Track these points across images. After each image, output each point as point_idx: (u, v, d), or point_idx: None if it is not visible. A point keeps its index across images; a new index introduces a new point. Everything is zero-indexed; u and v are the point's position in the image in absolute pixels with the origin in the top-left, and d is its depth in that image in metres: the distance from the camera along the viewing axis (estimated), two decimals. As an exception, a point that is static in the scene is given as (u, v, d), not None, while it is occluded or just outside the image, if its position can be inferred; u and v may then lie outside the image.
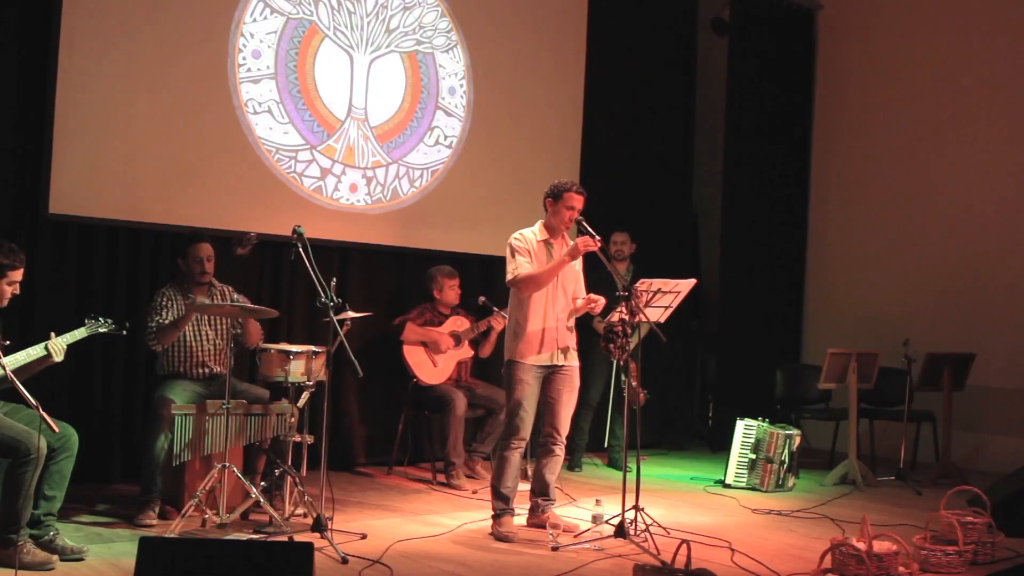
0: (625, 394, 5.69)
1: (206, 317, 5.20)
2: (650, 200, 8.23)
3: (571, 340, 5.03)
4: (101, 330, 4.47)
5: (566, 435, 5.09)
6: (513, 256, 4.91)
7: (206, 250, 5.26)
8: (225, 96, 6.06)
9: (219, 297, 5.29)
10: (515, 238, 4.96)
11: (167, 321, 5.07)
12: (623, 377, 6.49)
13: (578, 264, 5.10)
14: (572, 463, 7.00)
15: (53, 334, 4.24)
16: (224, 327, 5.20)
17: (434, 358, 6.40)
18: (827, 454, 7.59)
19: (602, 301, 4.99)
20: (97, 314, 4.54)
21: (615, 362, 6.68)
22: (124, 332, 4.62)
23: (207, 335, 5.21)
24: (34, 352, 4.18)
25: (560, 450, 5.07)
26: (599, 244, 4.81)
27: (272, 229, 5.98)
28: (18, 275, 4.21)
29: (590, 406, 7.00)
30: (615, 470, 6.88)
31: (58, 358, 4.22)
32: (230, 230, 5.80)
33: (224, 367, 5.09)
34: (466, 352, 6.54)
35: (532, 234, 4.99)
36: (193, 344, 5.17)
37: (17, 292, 4.24)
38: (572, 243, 4.89)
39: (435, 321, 6.49)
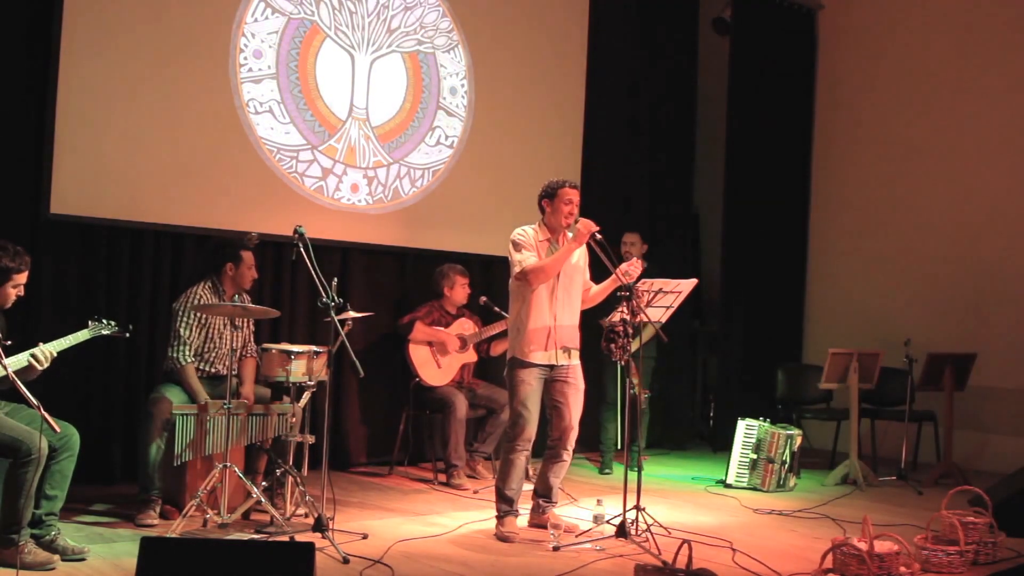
0: (629, 395, 5.70)
1: (228, 320, 5.16)
2: (651, 200, 8.23)
3: (574, 340, 5.01)
4: (104, 332, 4.47)
5: (575, 438, 5.07)
6: (518, 250, 4.89)
7: (253, 258, 5.28)
8: (226, 96, 6.06)
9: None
10: (517, 233, 4.95)
11: (191, 363, 5.05)
12: (628, 378, 6.51)
13: (583, 260, 5.09)
14: (603, 466, 6.97)
15: (41, 343, 4.21)
16: (238, 333, 5.18)
17: (439, 359, 6.39)
18: (828, 454, 7.59)
19: (638, 266, 4.95)
20: (100, 316, 4.53)
21: (630, 361, 6.68)
22: (127, 335, 4.62)
23: (226, 338, 5.19)
24: (22, 359, 4.17)
25: (568, 455, 5.05)
26: (599, 228, 4.80)
27: (273, 229, 6.00)
28: (22, 278, 4.21)
29: (612, 406, 6.97)
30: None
31: (42, 365, 4.18)
32: (231, 230, 5.81)
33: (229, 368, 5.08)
34: (471, 356, 6.53)
35: (533, 231, 4.99)
36: (209, 344, 5.17)
37: (21, 295, 4.24)
38: (576, 229, 4.86)
39: (443, 322, 6.48)
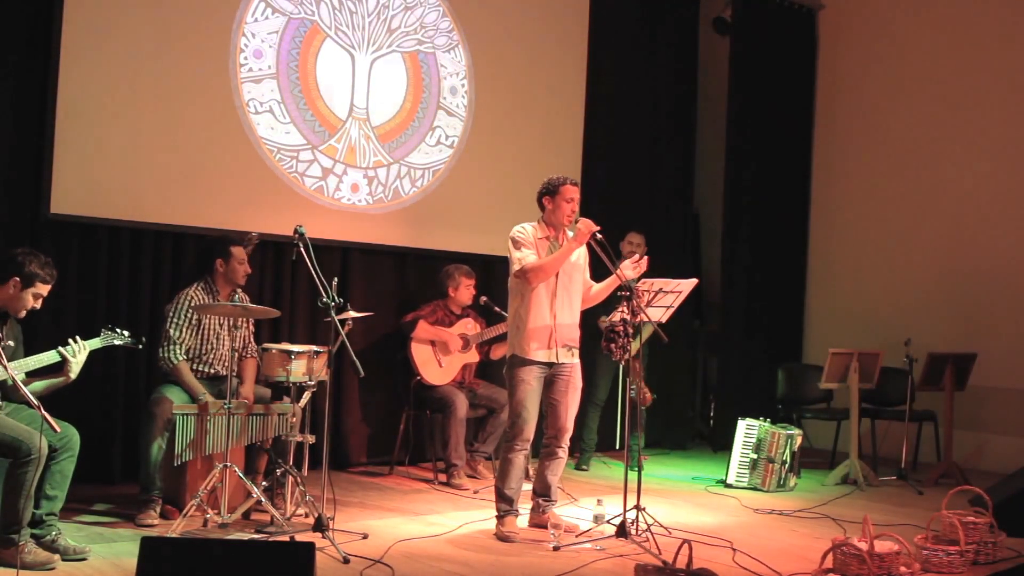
0: (630, 395, 5.69)
1: (226, 320, 5.16)
2: (651, 199, 8.23)
3: (575, 338, 5.01)
4: (116, 342, 4.46)
5: (570, 436, 5.08)
6: (517, 248, 4.89)
7: (245, 253, 5.27)
8: (226, 96, 6.06)
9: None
10: (517, 231, 4.95)
11: (183, 360, 5.04)
12: (628, 378, 6.51)
13: (582, 259, 5.10)
14: (580, 462, 6.99)
15: (73, 339, 4.24)
16: (238, 333, 5.17)
17: (440, 358, 6.39)
18: (828, 454, 7.60)
19: (645, 259, 4.96)
20: (100, 318, 4.53)
21: (631, 361, 6.68)
22: (140, 347, 4.62)
23: (223, 339, 5.18)
24: (45, 358, 4.18)
25: (563, 452, 5.07)
26: (599, 228, 4.81)
27: (273, 229, 6.00)
28: (45, 289, 4.23)
29: (597, 405, 7.00)
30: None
31: (77, 359, 4.20)
32: (231, 230, 5.80)
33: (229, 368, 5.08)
34: (473, 356, 6.53)
35: (533, 228, 4.99)
36: (206, 346, 5.17)
37: (38, 307, 4.24)
38: (576, 228, 4.86)
39: (446, 321, 6.48)
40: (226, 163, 6.07)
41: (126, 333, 4.51)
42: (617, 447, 7.39)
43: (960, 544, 4.52)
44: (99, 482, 5.54)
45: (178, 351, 5.04)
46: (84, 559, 4.17)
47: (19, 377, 3.84)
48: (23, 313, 4.22)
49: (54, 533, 4.16)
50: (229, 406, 4.71)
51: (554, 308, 4.91)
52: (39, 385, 4.15)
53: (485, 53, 7.23)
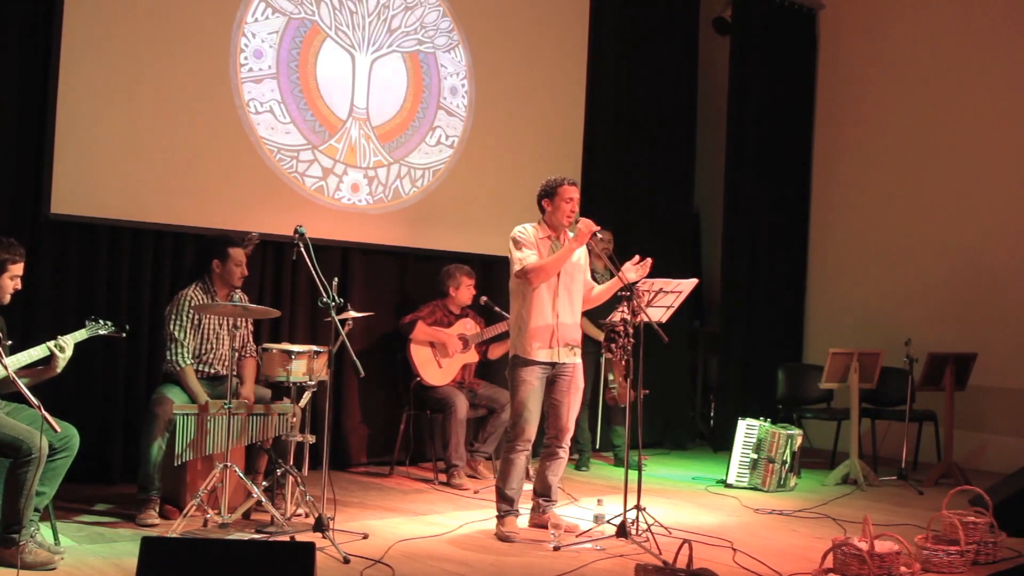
0: (611, 392, 5.70)
1: (226, 320, 5.15)
2: (652, 199, 8.23)
3: (576, 338, 5.01)
4: (101, 332, 4.46)
5: (571, 436, 5.08)
6: (519, 248, 4.89)
7: (243, 255, 5.26)
8: (227, 96, 6.06)
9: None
10: (518, 231, 4.95)
11: (190, 364, 5.04)
12: (610, 376, 6.52)
13: (584, 259, 5.10)
14: (580, 463, 6.99)
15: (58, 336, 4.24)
16: (238, 333, 5.17)
17: (440, 359, 6.39)
18: (829, 454, 7.60)
19: (648, 261, 4.97)
20: (98, 316, 4.53)
21: (602, 359, 6.68)
22: (124, 335, 4.61)
23: (223, 339, 5.18)
24: (36, 353, 4.18)
25: (564, 452, 5.07)
26: (600, 228, 4.83)
27: (274, 229, 6.01)
28: (19, 269, 4.22)
29: (584, 404, 7.01)
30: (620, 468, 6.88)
31: (64, 354, 4.21)
32: (231, 230, 5.80)
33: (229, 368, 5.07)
34: (472, 356, 6.53)
35: (534, 229, 4.99)
36: (206, 346, 5.17)
37: (19, 287, 4.25)
38: (577, 229, 4.86)
39: (445, 322, 6.47)
40: (226, 163, 6.07)
41: (109, 323, 4.50)
42: (596, 447, 7.39)
43: (960, 544, 4.52)
44: (99, 482, 5.54)
45: (185, 355, 5.04)
46: (54, 567, 4.07)
47: (12, 371, 3.84)
48: (8, 298, 4.22)
49: (32, 529, 4.13)
50: (229, 406, 4.70)
51: (556, 308, 4.91)
52: (23, 380, 4.14)
53: (485, 53, 7.23)
